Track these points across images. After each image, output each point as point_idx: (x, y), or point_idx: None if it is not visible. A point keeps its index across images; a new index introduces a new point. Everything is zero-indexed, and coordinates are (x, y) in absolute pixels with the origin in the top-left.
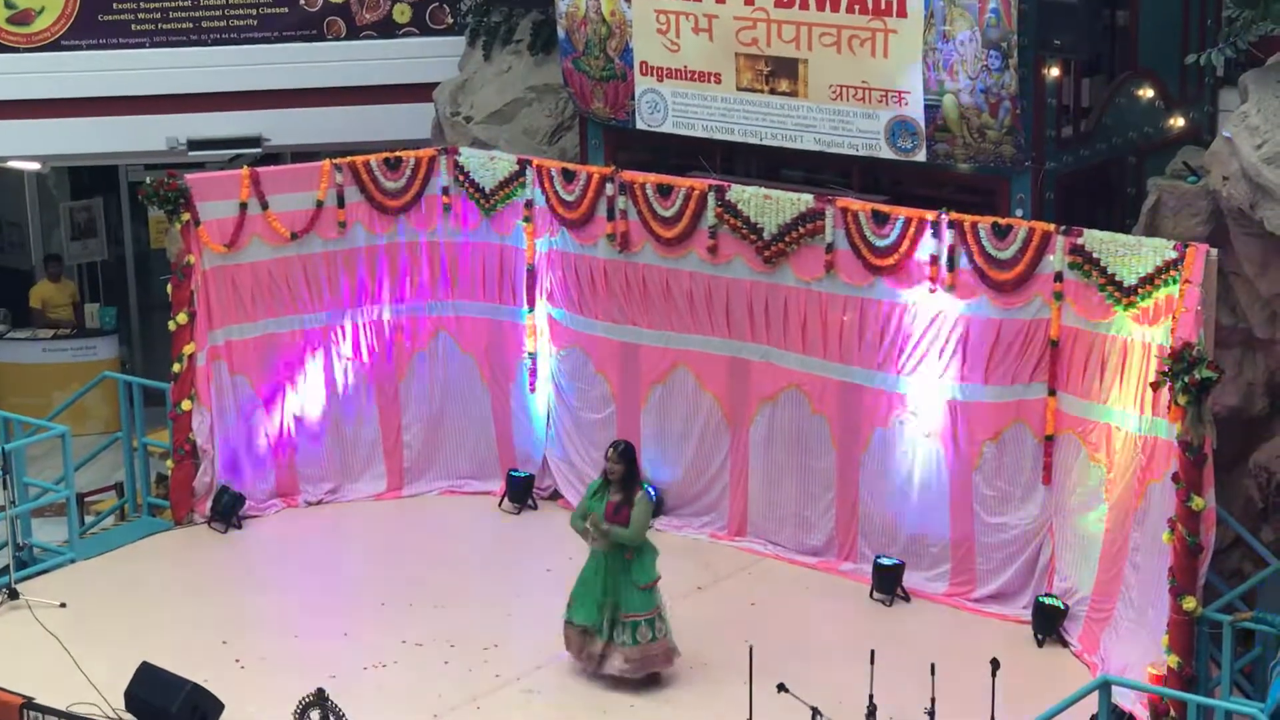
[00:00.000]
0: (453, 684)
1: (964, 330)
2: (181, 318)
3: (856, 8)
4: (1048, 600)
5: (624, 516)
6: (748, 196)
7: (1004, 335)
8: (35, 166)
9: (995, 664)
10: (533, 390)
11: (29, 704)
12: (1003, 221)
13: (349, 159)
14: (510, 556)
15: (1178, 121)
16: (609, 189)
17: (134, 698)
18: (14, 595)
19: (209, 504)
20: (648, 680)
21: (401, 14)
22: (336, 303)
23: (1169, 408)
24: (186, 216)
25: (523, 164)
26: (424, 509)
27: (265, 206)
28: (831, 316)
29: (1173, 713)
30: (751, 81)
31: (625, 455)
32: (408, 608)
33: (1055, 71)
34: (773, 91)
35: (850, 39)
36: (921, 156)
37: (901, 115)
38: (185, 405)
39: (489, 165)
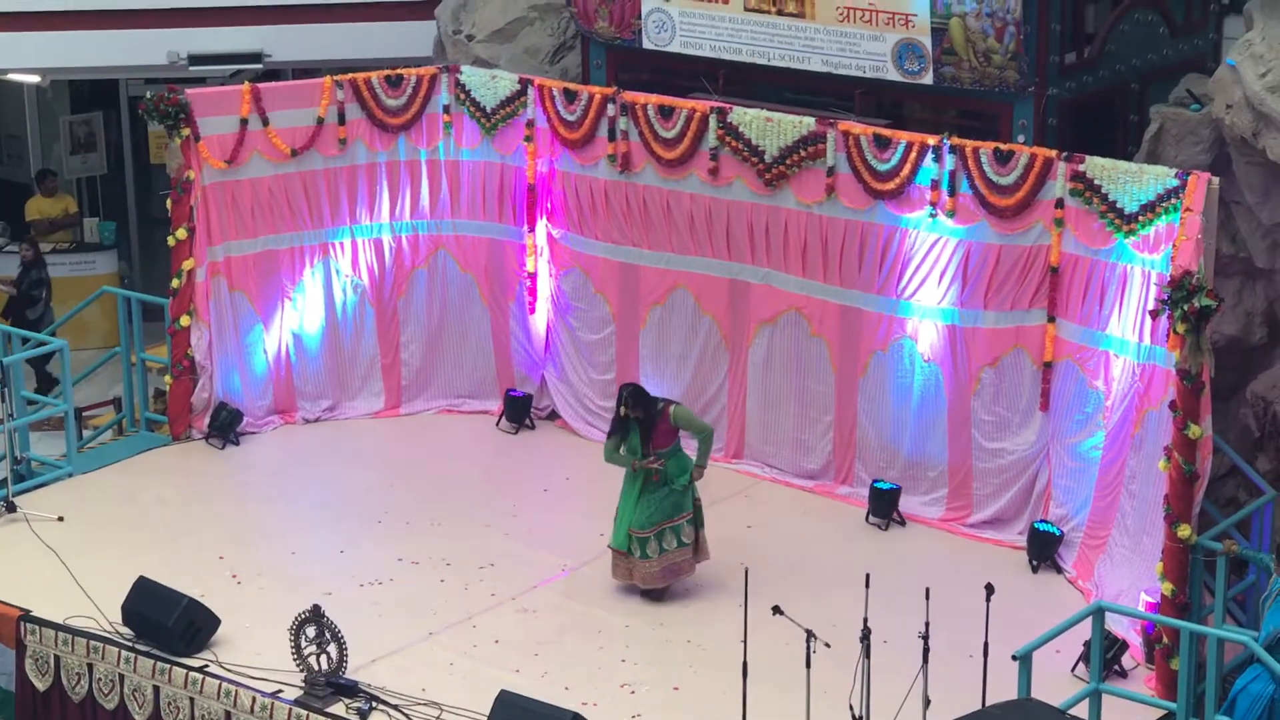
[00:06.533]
0: (448, 602)
1: (964, 255)
2: (181, 233)
3: None
4: (1043, 526)
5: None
6: (749, 119)
7: (1004, 261)
8: (35, 79)
9: (990, 589)
10: (532, 311)
11: (26, 616)
12: (1004, 147)
13: (350, 76)
14: (507, 476)
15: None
16: (610, 109)
17: (130, 612)
18: (12, 508)
19: (207, 420)
20: (647, 598)
21: None
22: (336, 220)
23: (1168, 336)
24: (186, 132)
25: (524, 83)
26: (421, 427)
27: (266, 123)
28: (832, 240)
29: (1166, 639)
30: (759, 2)
31: (636, 397)
32: (404, 526)
33: None
34: (780, 12)
35: None
36: (928, 79)
37: (909, 37)
38: (184, 321)
39: (490, 84)
